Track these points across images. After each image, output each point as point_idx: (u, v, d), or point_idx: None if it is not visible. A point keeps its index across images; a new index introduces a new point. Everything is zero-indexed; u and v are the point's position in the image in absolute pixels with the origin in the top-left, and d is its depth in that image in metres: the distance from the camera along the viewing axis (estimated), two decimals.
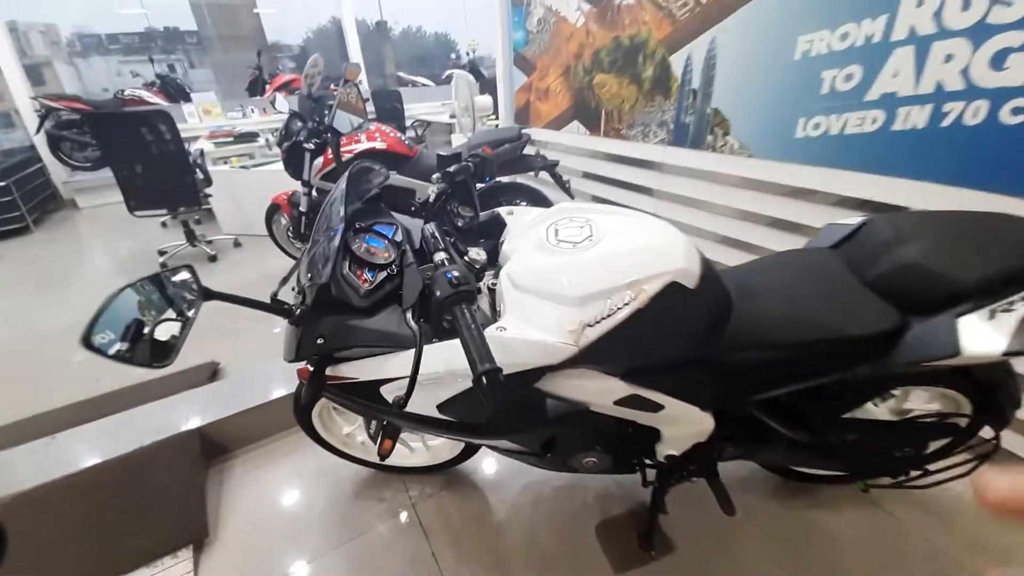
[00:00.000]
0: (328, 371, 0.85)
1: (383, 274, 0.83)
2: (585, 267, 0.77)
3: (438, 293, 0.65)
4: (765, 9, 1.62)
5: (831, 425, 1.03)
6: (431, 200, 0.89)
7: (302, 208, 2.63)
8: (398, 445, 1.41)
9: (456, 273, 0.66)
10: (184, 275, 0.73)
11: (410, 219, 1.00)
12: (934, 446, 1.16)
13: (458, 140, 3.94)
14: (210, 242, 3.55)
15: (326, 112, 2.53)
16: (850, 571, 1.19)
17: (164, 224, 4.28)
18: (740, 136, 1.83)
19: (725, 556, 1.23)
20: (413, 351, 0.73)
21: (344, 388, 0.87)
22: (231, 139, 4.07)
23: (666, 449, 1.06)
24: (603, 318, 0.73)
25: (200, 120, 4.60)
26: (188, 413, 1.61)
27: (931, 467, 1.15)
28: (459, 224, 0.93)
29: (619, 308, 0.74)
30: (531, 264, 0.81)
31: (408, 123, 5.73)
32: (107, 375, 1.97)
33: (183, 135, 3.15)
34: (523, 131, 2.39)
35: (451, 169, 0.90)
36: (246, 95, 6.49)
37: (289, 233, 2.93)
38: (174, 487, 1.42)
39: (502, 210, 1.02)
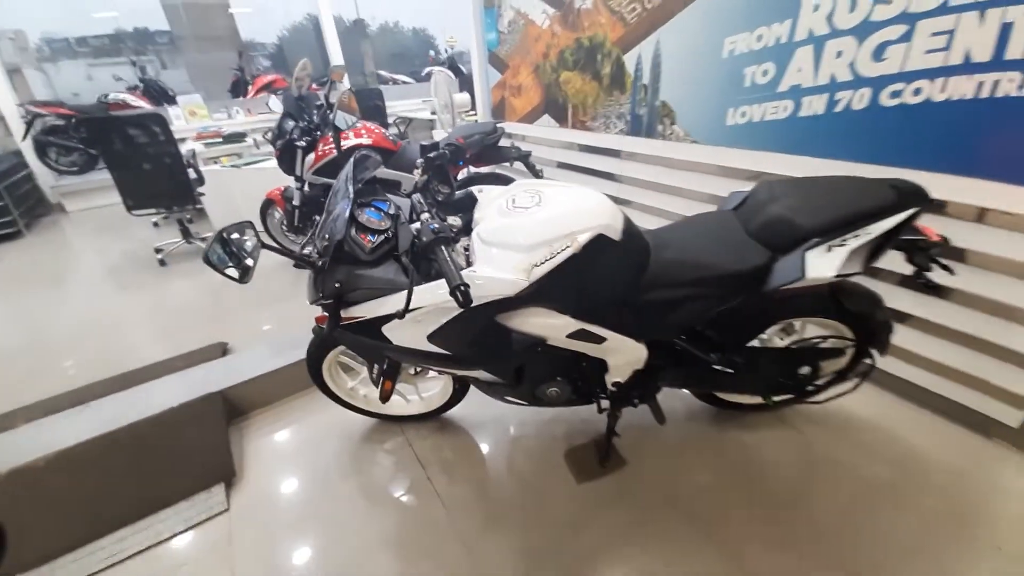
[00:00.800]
0: (343, 312, 1.09)
1: (381, 237, 1.07)
2: (533, 224, 1.03)
3: (424, 238, 0.90)
4: (698, 13, 1.89)
5: (740, 350, 1.31)
6: (416, 180, 1.13)
7: (295, 202, 2.85)
8: (396, 397, 1.67)
9: (437, 224, 0.91)
10: (249, 230, 0.99)
11: (400, 198, 1.25)
12: (830, 368, 1.45)
13: (439, 135, 4.16)
14: (204, 239, 3.72)
15: (315, 111, 2.74)
16: (764, 473, 1.48)
17: (156, 224, 4.42)
18: (684, 125, 2.10)
19: (666, 467, 1.51)
20: (404, 293, 0.99)
21: (353, 328, 1.12)
22: (220, 139, 4.22)
23: (613, 377, 1.33)
24: (546, 260, 0.99)
25: (186, 122, 4.72)
26: (208, 380, 1.83)
27: (824, 384, 1.44)
28: (439, 199, 1.17)
29: (558, 252, 0.99)
30: (494, 224, 1.06)
31: (391, 120, 5.91)
32: (102, 366, 2.17)
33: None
34: (498, 125, 2.65)
35: (431, 155, 1.13)
36: (227, 95, 6.59)
37: (283, 225, 3.13)
38: (203, 438, 1.65)
39: (473, 188, 1.27)
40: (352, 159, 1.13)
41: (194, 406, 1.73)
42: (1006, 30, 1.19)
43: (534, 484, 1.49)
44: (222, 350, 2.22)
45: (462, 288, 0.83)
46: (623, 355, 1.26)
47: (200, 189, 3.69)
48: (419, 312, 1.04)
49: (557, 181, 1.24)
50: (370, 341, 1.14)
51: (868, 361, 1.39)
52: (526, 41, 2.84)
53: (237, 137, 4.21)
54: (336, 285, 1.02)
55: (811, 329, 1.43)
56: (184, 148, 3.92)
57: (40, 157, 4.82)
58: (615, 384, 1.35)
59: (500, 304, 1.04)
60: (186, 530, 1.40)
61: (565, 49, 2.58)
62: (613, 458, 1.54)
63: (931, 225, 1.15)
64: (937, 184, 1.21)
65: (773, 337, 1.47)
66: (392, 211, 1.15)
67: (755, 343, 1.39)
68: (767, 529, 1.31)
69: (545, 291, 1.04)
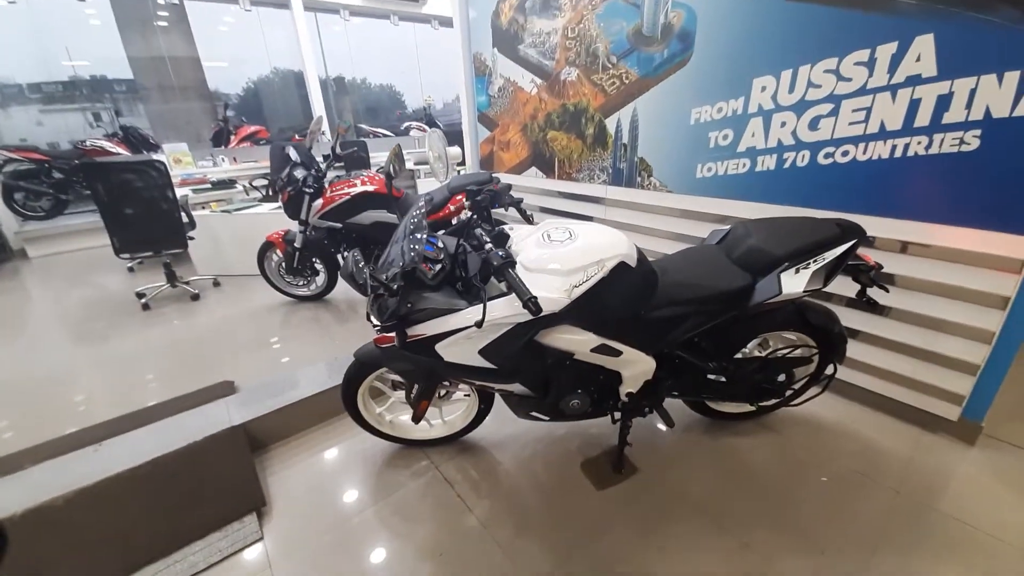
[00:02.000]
0: (408, 331, 1.25)
1: (439, 267, 1.26)
2: (570, 253, 1.26)
3: (495, 263, 1.10)
4: (669, 88, 2.29)
5: (727, 360, 1.56)
6: (463, 218, 1.34)
7: (297, 244, 2.98)
8: (422, 424, 1.78)
9: (502, 252, 1.12)
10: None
11: (445, 236, 1.45)
12: (801, 375, 1.72)
13: (434, 184, 4.44)
14: (188, 282, 3.71)
15: (323, 161, 2.95)
16: (756, 471, 1.69)
17: (131, 269, 4.33)
18: (660, 177, 2.47)
19: (674, 471, 1.69)
20: (464, 311, 1.18)
21: (411, 346, 1.27)
22: (208, 186, 4.30)
23: (626, 388, 1.53)
24: (583, 282, 1.21)
25: (171, 168, 4.77)
26: (227, 415, 1.87)
27: (798, 388, 1.71)
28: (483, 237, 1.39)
29: (592, 276, 1.22)
30: (535, 254, 1.28)
31: (373, 171, 6.19)
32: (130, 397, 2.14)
33: None
34: (493, 175, 2.94)
35: (478, 198, 1.35)
36: (202, 144, 6.69)
37: (281, 268, 3.22)
38: (229, 470, 1.68)
39: (505, 227, 1.50)
40: (419, 202, 1.33)
41: (218, 439, 1.76)
42: (914, 104, 1.59)
43: (558, 493, 1.62)
44: (231, 387, 2.24)
45: (534, 299, 1.03)
46: (636, 366, 1.47)
47: (191, 233, 3.73)
48: (472, 329, 1.21)
49: (578, 220, 1.50)
50: (425, 359, 1.29)
51: (830, 369, 1.68)
52: (515, 104, 3.22)
53: (226, 184, 4.31)
54: (408, 305, 1.19)
55: (784, 342, 1.71)
56: (180, 193, 3.98)
57: (6, 202, 4.67)
58: (628, 395, 1.55)
59: (542, 322, 1.23)
60: (222, 560, 1.42)
61: (552, 112, 2.96)
62: (627, 466, 1.70)
63: (867, 254, 1.48)
64: (867, 223, 1.56)
65: (754, 350, 1.74)
66: (441, 245, 1.35)
67: (740, 355, 1.65)
68: (766, 516, 1.50)
69: (576, 310, 1.25)
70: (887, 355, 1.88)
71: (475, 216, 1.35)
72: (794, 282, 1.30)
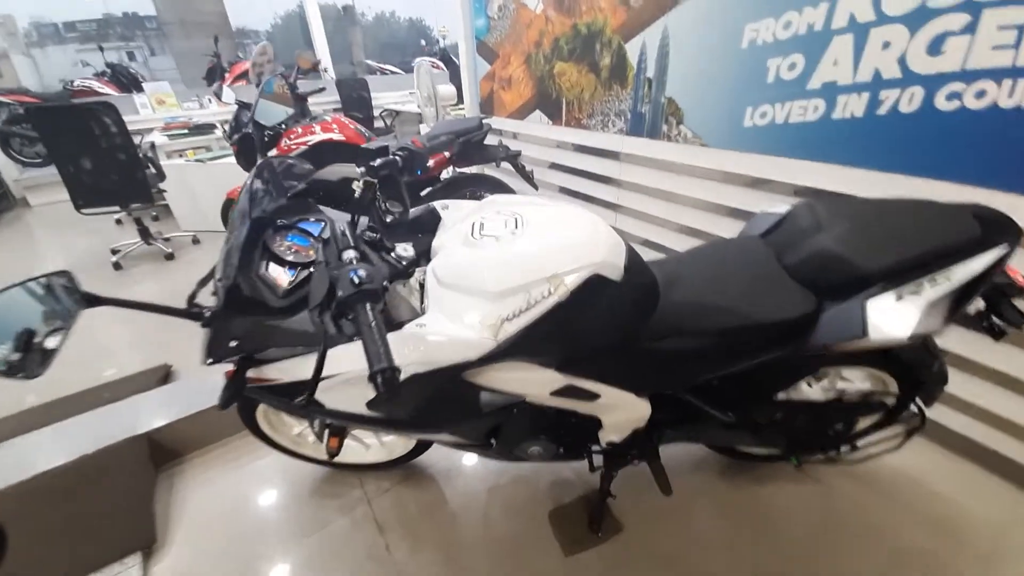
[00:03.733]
0: (252, 372, 0.83)
1: (305, 272, 0.81)
2: (505, 261, 0.77)
3: (340, 292, 0.64)
4: None
5: (762, 406, 1.07)
6: (356, 196, 0.87)
7: None
8: (352, 442, 1.41)
9: (361, 272, 0.65)
10: (59, 281, 0.68)
11: (342, 214, 0.98)
12: (865, 422, 1.21)
13: (424, 129, 3.88)
14: (167, 239, 3.43)
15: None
16: (782, 536, 1.25)
17: (119, 222, 4.10)
18: (693, 126, 1.84)
19: (670, 533, 1.27)
20: (334, 349, 0.73)
21: (270, 390, 0.86)
22: (186, 131, 3.91)
23: (608, 436, 1.09)
24: (522, 312, 0.73)
25: (153, 111, 4.38)
26: (136, 418, 1.56)
27: (861, 443, 1.20)
28: (388, 220, 0.92)
29: (538, 302, 0.74)
30: (454, 259, 0.80)
31: (376, 112, 5.60)
32: (52, 384, 1.89)
33: (136, 128, 3.01)
34: (484, 121, 2.37)
35: (375, 163, 0.88)
36: (203, 84, 6.24)
37: None
38: (121, 494, 1.38)
39: (437, 204, 1.01)
40: (255, 168, 0.86)
41: (116, 451, 1.46)
42: None
43: (513, 553, 1.25)
44: (164, 374, 1.96)
45: (386, 375, 0.57)
46: (620, 412, 1.02)
47: (161, 185, 3.39)
48: (354, 374, 0.78)
49: (538, 198, 0.98)
50: (294, 405, 0.88)
51: (915, 413, 1.15)
52: (517, 27, 2.56)
53: (205, 128, 3.90)
54: (231, 344, 0.76)
55: (845, 374, 1.19)
56: (143, 140, 3.62)
57: (3, 148, 4.47)
58: (610, 443, 1.10)
59: (458, 367, 0.78)
60: None
61: (560, 37, 2.30)
62: (607, 522, 1.29)
63: (1015, 268, 0.90)
64: (1013, 207, 0.96)
65: (801, 385, 1.22)
66: (326, 234, 0.88)
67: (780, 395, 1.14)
68: None
69: (522, 344, 0.78)
70: (996, 392, 1.32)
71: (376, 192, 0.87)
72: (893, 320, 0.76)
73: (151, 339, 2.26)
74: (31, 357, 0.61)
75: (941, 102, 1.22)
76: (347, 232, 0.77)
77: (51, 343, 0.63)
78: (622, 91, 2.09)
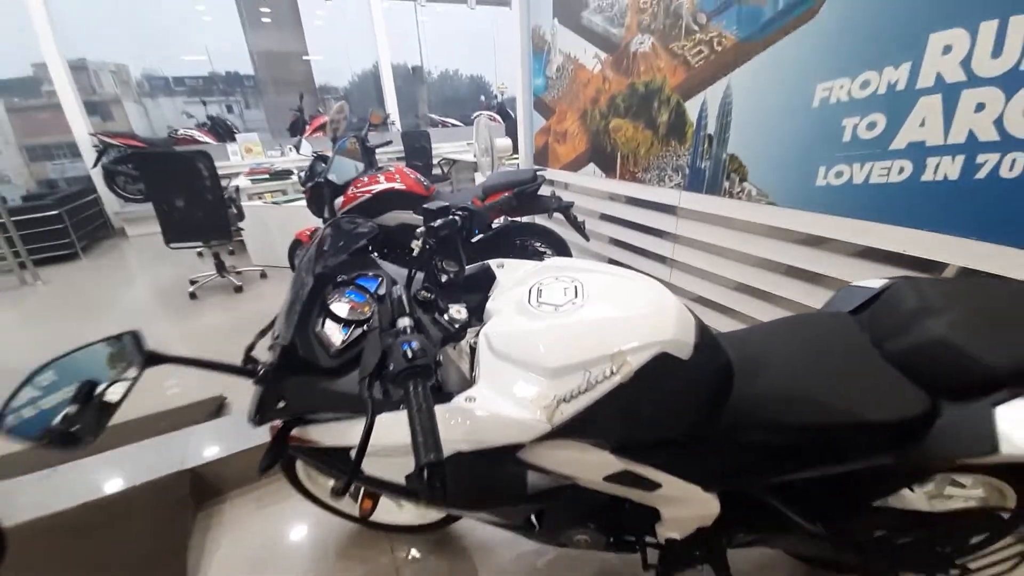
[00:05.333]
0: (295, 432, 0.81)
1: (359, 330, 0.80)
2: (564, 334, 0.72)
3: (391, 366, 0.61)
4: (782, 56, 1.58)
5: (856, 515, 0.90)
6: (414, 255, 0.86)
7: None
8: (385, 501, 1.35)
9: (415, 345, 0.62)
10: (129, 340, 0.69)
11: (399, 269, 0.98)
12: (980, 542, 1.00)
13: (480, 179, 4.02)
14: (239, 273, 3.69)
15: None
16: None
17: (200, 255, 4.49)
18: (758, 182, 1.76)
19: None
20: (380, 416, 0.69)
21: (311, 452, 0.83)
22: (267, 176, 4.29)
23: (667, 531, 0.96)
24: (580, 393, 0.67)
25: (242, 158, 4.89)
26: (183, 452, 1.60)
27: (972, 564, 0.98)
28: (443, 279, 0.90)
29: (599, 382, 0.67)
30: (509, 328, 0.76)
31: (435, 161, 5.93)
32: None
33: (225, 172, 3.35)
34: (538, 173, 2.41)
35: (435, 224, 0.88)
36: (288, 134, 6.94)
37: None
38: (157, 532, 1.39)
39: (493, 263, 0.99)
40: (323, 229, 0.88)
41: (157, 486, 1.48)
42: None
43: None
44: (217, 407, 2.02)
45: (434, 468, 0.52)
46: (684, 507, 0.89)
47: (240, 224, 3.70)
48: (397, 447, 0.73)
49: (601, 264, 0.93)
50: (334, 468, 0.84)
51: None
52: (574, 86, 2.64)
53: (283, 174, 4.26)
54: (279, 405, 0.74)
55: (958, 488, 1.00)
56: (230, 184, 4.00)
57: (109, 184, 5.12)
58: (668, 540, 0.97)
59: (509, 448, 0.72)
60: None
61: (617, 95, 2.33)
62: None
63: None
64: None
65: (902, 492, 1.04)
66: (382, 290, 0.88)
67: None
68: None
69: (578, 425, 0.71)
70: None
71: (431, 248, 0.86)
72: None
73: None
74: (89, 413, 0.61)
75: None
76: (403, 297, 0.75)
77: (112, 397, 0.64)
78: (680, 147, 2.06)
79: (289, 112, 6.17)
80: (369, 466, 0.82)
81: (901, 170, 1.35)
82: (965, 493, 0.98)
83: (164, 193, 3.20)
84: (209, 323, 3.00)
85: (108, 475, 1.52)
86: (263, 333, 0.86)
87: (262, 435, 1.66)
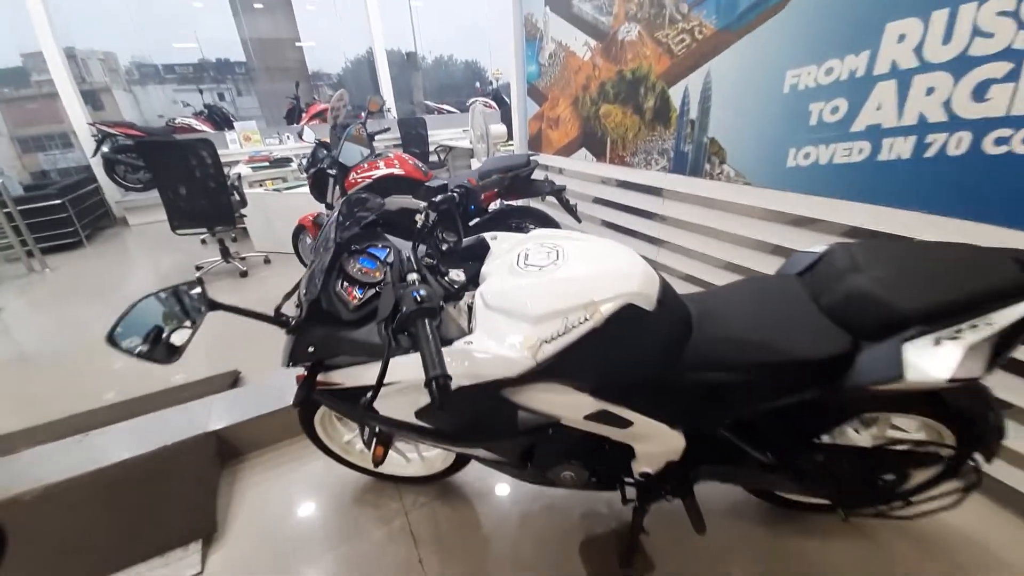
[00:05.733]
0: (320, 377, 0.95)
1: (371, 291, 0.93)
2: (546, 288, 0.85)
3: (404, 308, 0.74)
4: (755, 46, 1.69)
5: (802, 449, 1.05)
6: (418, 227, 0.99)
7: None
8: (394, 455, 1.50)
9: (422, 292, 0.75)
10: (195, 288, 0.86)
11: (403, 242, 1.11)
12: (920, 476, 1.15)
13: (476, 164, 4.12)
14: (243, 259, 3.79)
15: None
16: None
17: (204, 242, 4.58)
18: (735, 164, 1.88)
19: None
20: (395, 359, 0.83)
21: (333, 393, 0.97)
22: (267, 164, 4.37)
23: (640, 466, 1.11)
24: (559, 335, 0.80)
25: (240, 146, 4.96)
26: (207, 417, 1.74)
27: (915, 498, 1.14)
28: (444, 248, 1.03)
29: (575, 327, 0.81)
30: (501, 285, 0.89)
31: (432, 148, 5.99)
32: (138, 380, 2.14)
33: (225, 160, 3.43)
34: (532, 158, 2.52)
35: (436, 199, 1.00)
36: (283, 122, 6.97)
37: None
38: (189, 486, 1.54)
39: (487, 235, 1.11)
40: (343, 200, 1.01)
41: (187, 446, 1.63)
42: None
43: None
44: (232, 380, 2.16)
45: (439, 381, 0.66)
46: (654, 443, 1.04)
47: (243, 211, 3.80)
48: (407, 383, 0.87)
49: (578, 233, 1.06)
50: (352, 409, 0.98)
51: (972, 467, 1.08)
52: (566, 73, 2.74)
53: (283, 162, 4.35)
54: (309, 350, 0.88)
55: (898, 428, 1.15)
56: (231, 171, 4.08)
57: (108, 174, 5.18)
58: (643, 474, 1.12)
59: (502, 381, 0.86)
60: None
61: (606, 81, 2.44)
62: (638, 559, 1.28)
63: None
64: None
65: (847, 430, 1.19)
66: (390, 259, 1.01)
67: (824, 437, 1.12)
68: None
69: (559, 366, 0.85)
70: None
71: (434, 220, 0.99)
72: (931, 362, 0.76)
73: (223, 347, 2.50)
74: (159, 349, 0.77)
75: (989, 146, 1.21)
76: (412, 257, 0.88)
77: (177, 339, 0.79)
78: (665, 131, 2.18)
79: (285, 100, 6.21)
80: (385, 408, 0.96)
81: (860, 151, 1.48)
82: (907, 436, 1.12)
83: (169, 181, 3.29)
84: (231, 303, 3.12)
85: (143, 436, 1.66)
86: (288, 296, 0.99)
87: (276, 403, 1.81)
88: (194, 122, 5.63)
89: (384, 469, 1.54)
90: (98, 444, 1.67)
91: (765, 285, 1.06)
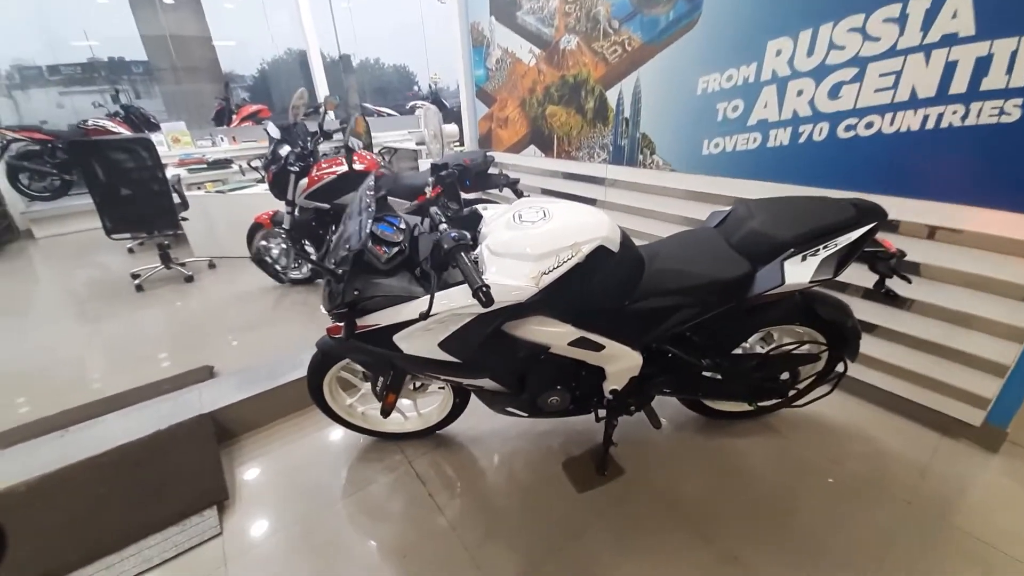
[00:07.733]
0: (359, 321, 1.13)
1: (395, 249, 1.14)
2: (541, 235, 1.11)
3: (446, 245, 0.97)
4: (674, 56, 2.08)
5: (723, 357, 1.41)
6: (428, 195, 1.21)
7: (285, 226, 2.87)
8: (394, 415, 1.68)
9: (456, 233, 0.99)
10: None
11: (408, 216, 1.32)
12: (807, 374, 1.57)
13: (423, 165, 4.30)
14: (183, 264, 3.66)
15: (308, 138, 2.83)
16: (754, 476, 1.55)
17: (131, 250, 4.30)
18: (663, 155, 2.28)
19: (662, 474, 1.57)
20: (419, 300, 1.05)
21: (366, 336, 1.16)
22: (204, 166, 4.22)
23: (610, 384, 1.40)
24: (554, 268, 1.07)
25: (168, 148, 4.69)
26: (198, 402, 1.80)
27: (802, 387, 1.55)
28: (447, 215, 1.25)
29: (565, 261, 1.08)
30: (503, 236, 1.14)
31: (376, 150, 6.03)
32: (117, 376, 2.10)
33: None
34: (488, 154, 2.78)
35: (443, 173, 1.22)
36: (210, 124, 6.61)
37: (270, 250, 3.14)
38: (193, 460, 1.61)
39: (479, 206, 1.36)
40: (372, 176, 1.20)
41: (184, 427, 1.69)
42: (950, 68, 1.38)
43: (535, 494, 1.52)
44: (208, 373, 2.18)
45: (484, 289, 0.90)
46: (620, 362, 1.34)
47: (184, 214, 3.66)
48: (432, 320, 1.09)
49: (557, 199, 1.34)
50: (382, 350, 1.18)
51: (841, 367, 1.51)
52: (513, 78, 3.03)
53: (222, 164, 4.22)
54: (355, 292, 1.07)
55: (788, 337, 1.55)
56: (169, 173, 3.90)
57: (11, 182, 4.67)
58: (612, 392, 1.42)
59: (508, 312, 1.10)
60: (177, 556, 1.35)
61: (551, 85, 2.76)
62: (611, 467, 1.58)
63: (888, 240, 1.30)
64: (890, 205, 1.37)
65: (755, 345, 1.58)
66: (403, 225, 1.22)
67: (739, 350, 1.49)
68: (760, 526, 1.37)
69: (549, 299, 1.11)
70: (906, 352, 1.70)
71: (440, 193, 1.21)
72: (799, 271, 1.13)
73: (191, 346, 2.49)
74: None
75: (841, 132, 1.66)
76: (440, 212, 1.11)
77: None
78: (604, 128, 2.54)
79: (216, 101, 5.93)
80: (409, 346, 1.16)
81: (755, 140, 1.90)
82: (795, 339, 1.53)
83: (103, 184, 3.13)
84: (169, 311, 3.02)
85: (134, 424, 1.69)
86: (323, 255, 1.17)
87: (265, 384, 1.89)
88: (110, 124, 5.22)
89: (384, 428, 1.71)
90: (83, 436, 1.67)
91: (694, 234, 1.42)
